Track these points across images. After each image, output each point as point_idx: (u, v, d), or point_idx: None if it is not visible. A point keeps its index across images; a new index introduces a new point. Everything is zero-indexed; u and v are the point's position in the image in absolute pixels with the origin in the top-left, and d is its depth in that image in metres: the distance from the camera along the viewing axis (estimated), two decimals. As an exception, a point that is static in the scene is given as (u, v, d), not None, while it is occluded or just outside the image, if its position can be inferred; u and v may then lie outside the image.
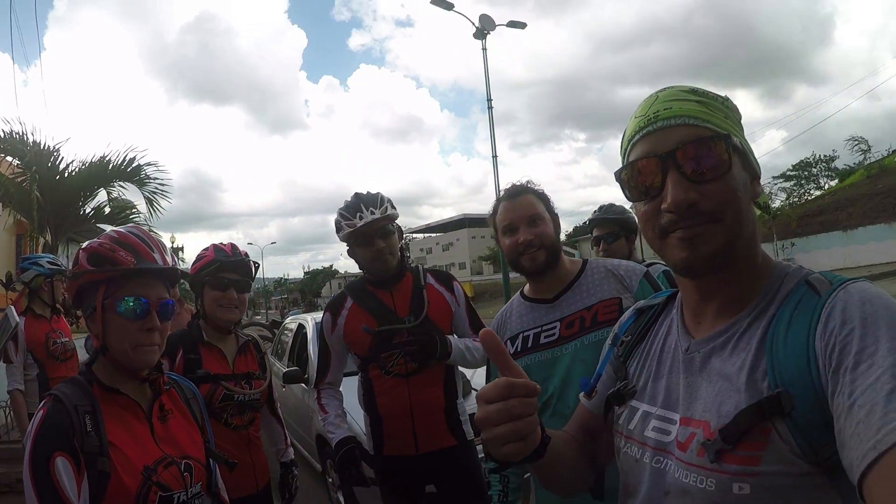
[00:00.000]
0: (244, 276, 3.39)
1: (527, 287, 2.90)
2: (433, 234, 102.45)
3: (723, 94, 1.30)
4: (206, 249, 3.42)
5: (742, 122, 1.32)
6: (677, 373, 1.31)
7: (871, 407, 0.92)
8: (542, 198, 2.82)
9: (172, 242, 45.71)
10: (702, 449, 1.15)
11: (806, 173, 64.04)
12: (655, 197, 1.23)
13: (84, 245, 2.17)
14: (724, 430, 1.11)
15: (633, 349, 1.49)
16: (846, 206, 33.22)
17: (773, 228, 32.23)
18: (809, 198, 52.72)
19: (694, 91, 1.29)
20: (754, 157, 1.30)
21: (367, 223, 3.43)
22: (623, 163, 1.34)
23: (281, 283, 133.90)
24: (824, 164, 63.36)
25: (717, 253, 1.19)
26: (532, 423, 1.16)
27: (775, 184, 64.18)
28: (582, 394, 1.60)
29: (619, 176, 1.32)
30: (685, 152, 1.19)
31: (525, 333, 2.75)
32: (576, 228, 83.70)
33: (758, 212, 1.31)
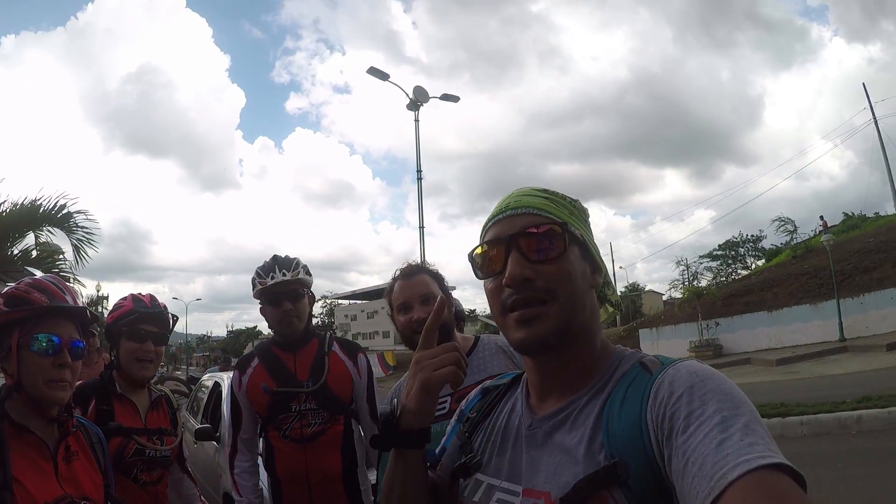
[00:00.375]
0: (162, 329, 3.35)
1: None
2: (359, 301, 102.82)
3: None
4: (125, 299, 3.37)
5: (590, 221, 1.52)
6: (520, 447, 1.37)
7: (703, 460, 0.98)
8: (437, 277, 3.02)
9: (98, 291, 47.03)
10: None
11: (733, 253, 66.01)
12: (499, 275, 1.35)
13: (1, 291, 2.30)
14: (563, 499, 1.18)
15: (478, 426, 1.55)
16: (772, 286, 33.72)
17: (697, 308, 32.54)
18: (736, 277, 54.21)
19: (544, 190, 1.47)
20: (598, 253, 1.46)
21: (277, 283, 3.58)
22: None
23: (204, 340, 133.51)
24: (751, 244, 65.49)
25: (550, 333, 1.30)
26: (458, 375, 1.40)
27: (702, 263, 65.90)
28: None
29: (470, 256, 1.47)
30: (525, 235, 1.34)
31: None
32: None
33: (610, 309, 1.57)
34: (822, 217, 48.81)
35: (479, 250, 1.44)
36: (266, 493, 3.95)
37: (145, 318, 3.24)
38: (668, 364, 1.23)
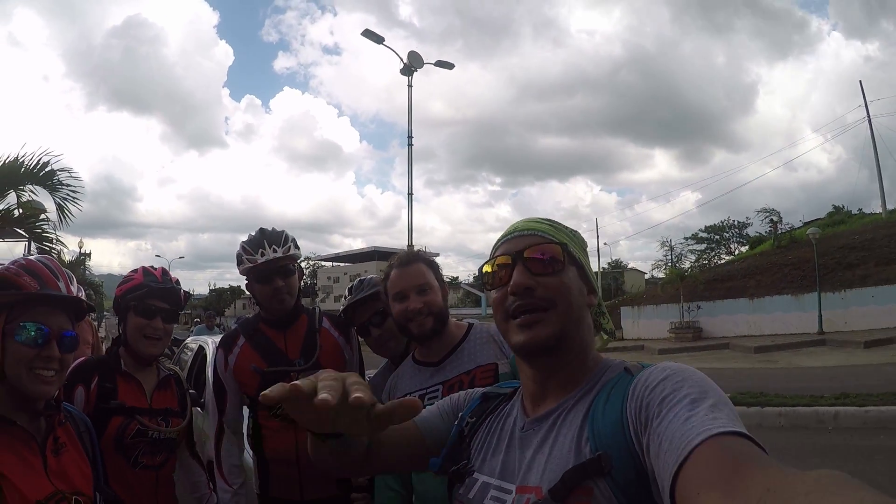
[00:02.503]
0: (173, 305, 3.23)
1: (417, 350, 3.01)
2: (342, 264, 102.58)
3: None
4: (135, 272, 3.26)
5: (588, 250, 1.71)
6: (514, 448, 1.50)
7: (672, 436, 1.08)
8: (432, 266, 3.00)
9: (80, 247, 45.87)
10: None
11: (717, 237, 66.02)
12: (504, 286, 1.53)
13: None
14: (552, 490, 1.28)
15: (477, 429, 1.66)
16: (755, 273, 33.79)
17: (680, 290, 32.61)
18: (719, 262, 54.34)
19: (548, 219, 1.67)
20: (594, 279, 1.65)
21: (268, 261, 3.41)
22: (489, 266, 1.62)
23: (186, 299, 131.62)
24: (736, 230, 65.43)
25: (550, 336, 1.46)
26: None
27: (687, 246, 65.96)
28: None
29: (480, 270, 1.66)
30: (530, 252, 1.52)
31: (411, 395, 2.79)
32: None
33: (605, 336, 1.77)
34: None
35: (488, 267, 1.60)
36: (253, 473, 3.79)
37: (155, 293, 3.14)
38: (647, 365, 1.37)
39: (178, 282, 3.29)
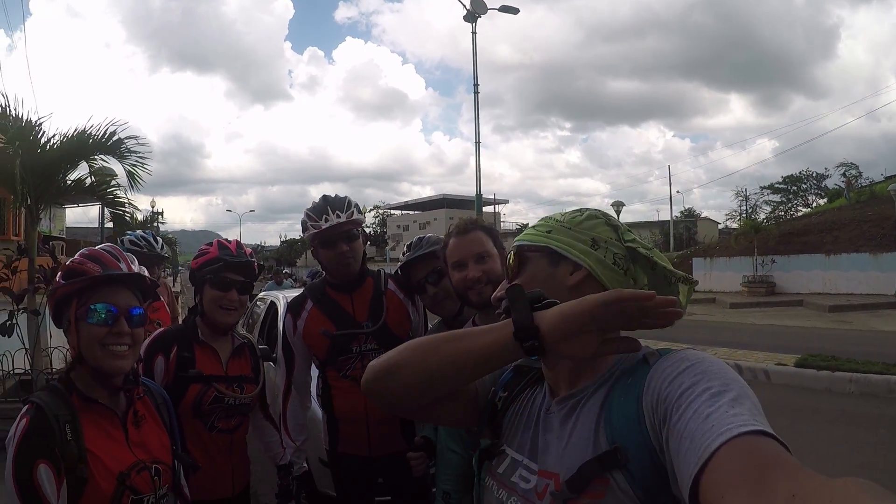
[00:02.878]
0: (247, 277, 3.36)
1: (477, 316, 3.07)
2: (411, 212, 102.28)
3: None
4: (210, 245, 3.39)
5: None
6: (538, 428, 1.51)
7: (692, 434, 1.07)
8: (491, 234, 3.02)
9: (153, 207, 47.79)
10: (552, 500, 1.34)
11: (794, 188, 64.04)
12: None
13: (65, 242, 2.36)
14: (569, 481, 1.30)
15: (511, 403, 1.67)
16: (832, 229, 32.83)
17: (754, 242, 32.13)
18: (795, 215, 53.39)
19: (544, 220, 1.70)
20: (576, 253, 1.58)
21: (332, 226, 3.52)
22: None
23: (258, 251, 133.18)
24: (814, 182, 63.34)
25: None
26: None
27: (762, 197, 64.29)
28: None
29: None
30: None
31: None
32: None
33: (684, 287, 1.62)
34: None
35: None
36: (322, 431, 3.95)
37: (230, 266, 3.25)
38: (663, 354, 1.33)
39: (252, 254, 3.43)
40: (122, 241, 5.43)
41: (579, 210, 1.68)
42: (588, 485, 1.27)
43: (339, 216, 3.51)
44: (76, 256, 2.26)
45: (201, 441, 3.12)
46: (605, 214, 1.67)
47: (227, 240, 3.44)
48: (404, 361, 1.53)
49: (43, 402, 2.02)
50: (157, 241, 5.56)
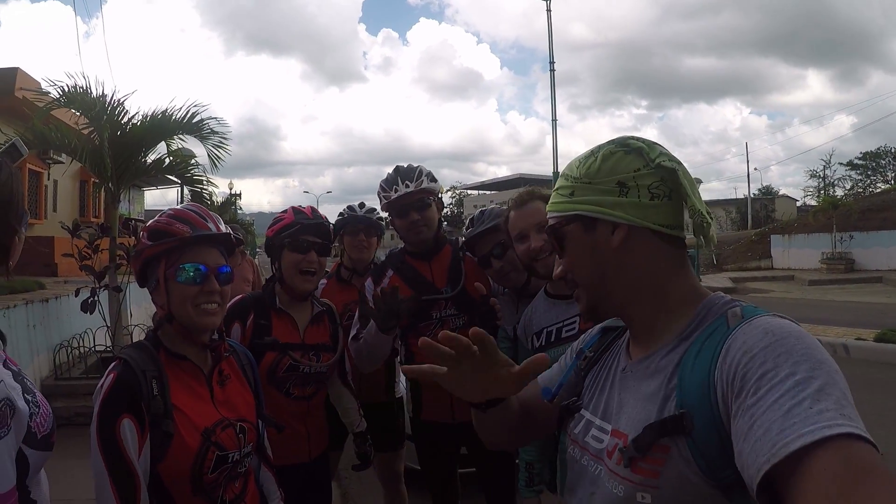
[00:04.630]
0: (325, 239, 3.33)
1: (549, 283, 3.06)
2: (487, 192, 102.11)
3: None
4: (285, 212, 3.38)
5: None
6: (614, 388, 1.46)
7: (769, 426, 1.00)
8: None
9: (230, 189, 47.94)
10: (620, 456, 1.29)
11: (874, 164, 62.33)
12: None
13: (146, 224, 2.32)
14: (635, 440, 1.25)
15: (594, 364, 1.62)
16: None
17: (833, 218, 31.47)
18: (874, 191, 51.85)
19: (566, 176, 1.53)
20: (622, 206, 1.41)
21: (401, 196, 3.58)
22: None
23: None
24: (893, 158, 61.54)
25: (585, 312, 1.53)
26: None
27: (838, 173, 62.74)
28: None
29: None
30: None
31: (549, 329, 2.94)
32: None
33: (701, 240, 1.43)
34: None
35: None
36: (406, 398, 3.98)
37: (308, 229, 3.23)
38: (746, 318, 1.24)
39: (326, 218, 3.41)
40: None
41: (592, 153, 1.48)
42: (650, 448, 1.22)
43: (407, 186, 3.57)
44: (161, 217, 2.25)
45: (277, 407, 3.01)
46: (623, 141, 1.47)
47: (301, 206, 3.45)
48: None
49: (131, 358, 2.04)
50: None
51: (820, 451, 0.93)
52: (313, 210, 3.38)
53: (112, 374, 2.00)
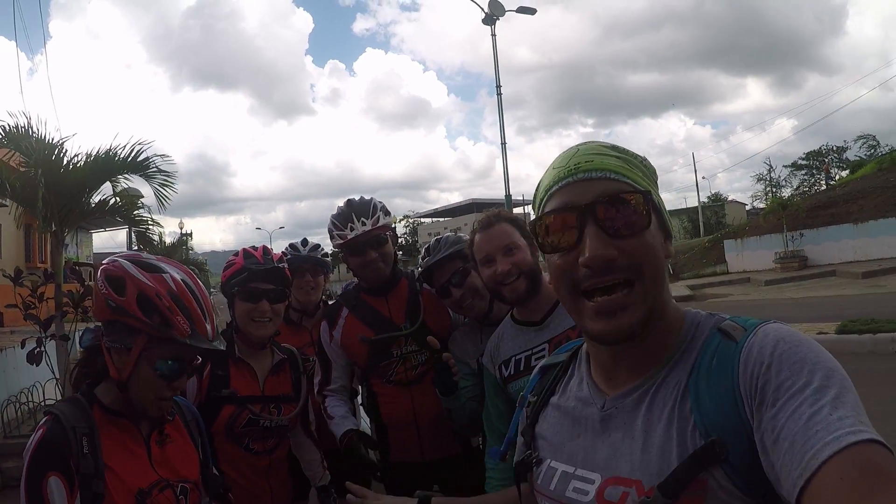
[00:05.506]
0: (278, 284, 3.11)
1: (516, 309, 2.90)
2: (441, 219, 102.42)
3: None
4: (236, 255, 3.19)
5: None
6: (594, 431, 1.29)
7: (793, 438, 0.96)
8: (517, 224, 2.86)
9: (181, 228, 47.25)
10: None
11: (817, 163, 64.06)
12: (571, 250, 1.22)
13: (130, 269, 2.04)
14: (663, 486, 1.10)
15: (542, 410, 1.48)
16: (857, 198, 32.87)
17: (783, 219, 32.25)
18: (820, 189, 53.12)
19: (614, 147, 1.30)
20: (668, 218, 1.31)
21: (358, 235, 3.40)
22: (537, 213, 1.33)
23: None
24: (835, 155, 63.39)
25: (636, 323, 1.19)
26: None
27: (783, 174, 64.59)
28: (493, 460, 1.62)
29: (534, 227, 1.30)
30: (605, 206, 1.19)
31: (517, 357, 2.77)
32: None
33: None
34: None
35: (547, 220, 1.27)
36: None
37: (257, 275, 3.05)
38: (751, 329, 1.17)
39: (281, 258, 3.22)
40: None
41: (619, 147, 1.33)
42: (685, 488, 1.09)
43: (364, 223, 3.41)
44: (158, 287, 2.03)
45: (236, 462, 2.93)
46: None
47: (253, 247, 3.24)
48: None
49: (62, 413, 1.94)
50: None
51: (840, 460, 0.91)
52: (265, 252, 3.19)
53: (41, 430, 1.91)
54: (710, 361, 1.17)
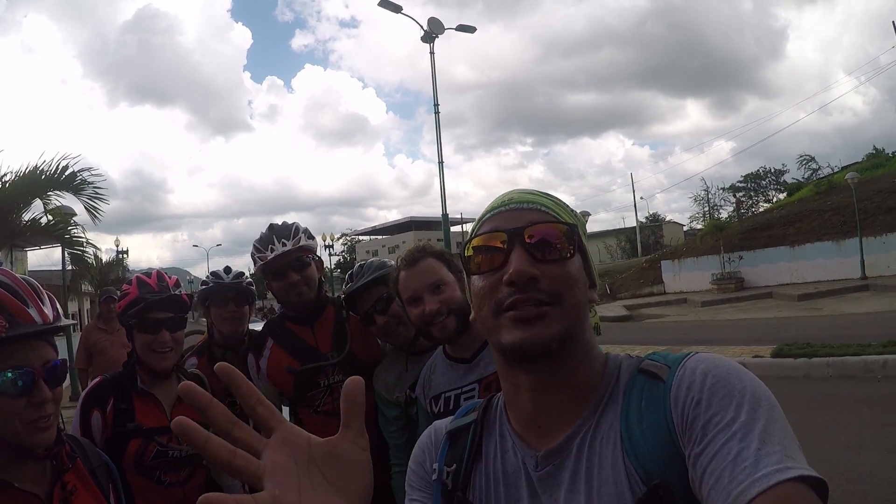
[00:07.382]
0: (176, 311, 2.97)
1: (447, 346, 2.78)
2: (379, 237, 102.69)
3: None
4: (130, 284, 3.05)
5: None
6: (533, 493, 1.21)
7: (720, 474, 0.95)
8: (443, 258, 2.78)
9: (117, 246, 45.47)
10: None
11: (755, 185, 65.42)
12: (496, 271, 1.20)
13: None
14: None
15: (468, 480, 1.32)
16: (794, 221, 33.58)
17: (720, 241, 32.75)
18: (757, 211, 54.02)
19: (546, 194, 1.34)
20: (594, 270, 1.33)
21: (277, 255, 3.33)
22: (470, 237, 1.34)
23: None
24: (773, 177, 64.80)
25: (553, 337, 1.14)
26: None
27: (721, 196, 65.90)
28: None
29: (464, 249, 1.30)
30: (533, 231, 1.20)
31: (446, 394, 2.69)
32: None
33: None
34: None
35: (476, 241, 1.27)
36: None
37: (154, 305, 2.91)
38: (675, 365, 1.15)
39: (177, 283, 3.12)
40: None
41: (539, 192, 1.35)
42: None
43: (284, 244, 3.34)
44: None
45: (149, 496, 2.83)
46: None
47: (146, 273, 3.12)
48: None
49: None
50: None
51: (765, 499, 0.89)
52: (160, 279, 3.06)
53: None
54: (638, 404, 1.15)
